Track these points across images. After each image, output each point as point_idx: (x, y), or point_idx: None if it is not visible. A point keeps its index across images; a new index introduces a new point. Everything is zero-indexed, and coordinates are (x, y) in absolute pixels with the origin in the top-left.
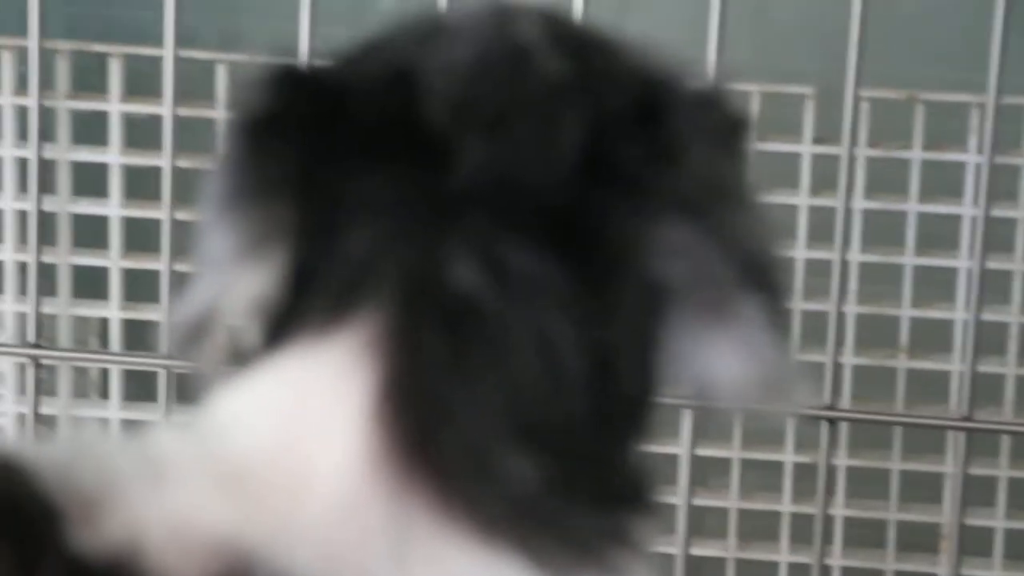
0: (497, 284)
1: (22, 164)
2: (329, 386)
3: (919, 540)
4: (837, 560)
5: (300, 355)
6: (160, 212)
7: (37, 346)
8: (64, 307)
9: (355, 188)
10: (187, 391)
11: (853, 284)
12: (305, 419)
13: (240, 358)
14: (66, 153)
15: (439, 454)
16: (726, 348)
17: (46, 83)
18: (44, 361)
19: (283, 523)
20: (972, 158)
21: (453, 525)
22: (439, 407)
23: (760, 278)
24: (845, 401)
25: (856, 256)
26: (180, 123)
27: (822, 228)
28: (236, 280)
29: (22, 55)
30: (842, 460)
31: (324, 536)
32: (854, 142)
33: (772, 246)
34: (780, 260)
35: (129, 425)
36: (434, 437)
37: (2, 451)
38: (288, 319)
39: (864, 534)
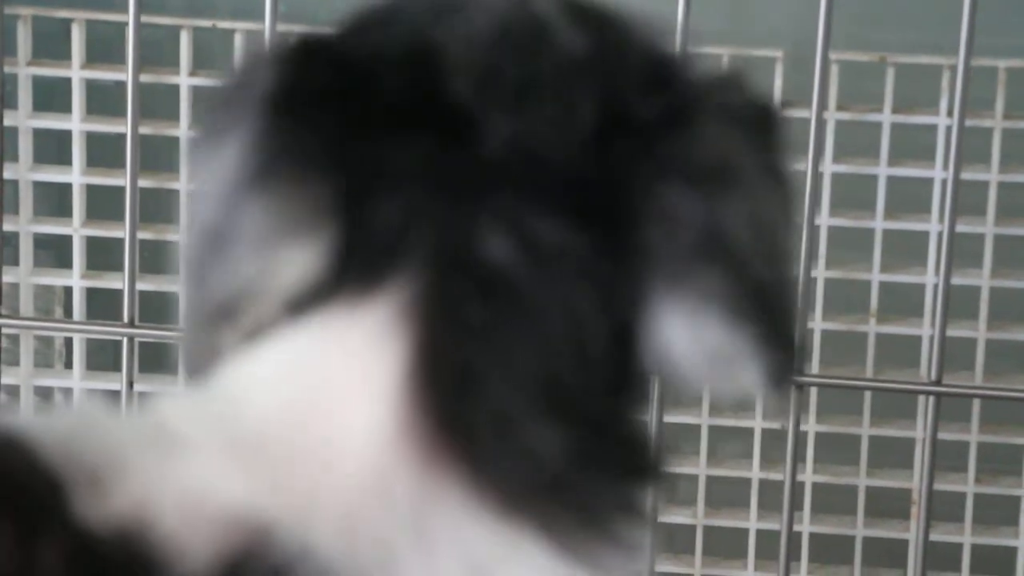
0: (528, 256)
1: None
2: (359, 353)
3: (889, 505)
4: (806, 526)
5: (328, 323)
6: (123, 179)
7: None
8: (26, 276)
9: (385, 161)
10: (149, 360)
11: (822, 248)
12: (331, 387)
13: (254, 334)
14: (27, 120)
15: (468, 425)
16: (678, 320)
17: (7, 49)
18: (7, 330)
19: (304, 496)
20: (943, 121)
21: (477, 499)
22: (470, 377)
23: (726, 254)
24: (814, 366)
25: (826, 220)
26: (143, 89)
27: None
28: (279, 261)
29: None
30: (811, 426)
31: (346, 510)
32: (824, 105)
33: (776, 232)
34: (782, 246)
35: (92, 395)
36: (463, 407)
37: (2, 424)
38: (318, 290)
39: (833, 500)
